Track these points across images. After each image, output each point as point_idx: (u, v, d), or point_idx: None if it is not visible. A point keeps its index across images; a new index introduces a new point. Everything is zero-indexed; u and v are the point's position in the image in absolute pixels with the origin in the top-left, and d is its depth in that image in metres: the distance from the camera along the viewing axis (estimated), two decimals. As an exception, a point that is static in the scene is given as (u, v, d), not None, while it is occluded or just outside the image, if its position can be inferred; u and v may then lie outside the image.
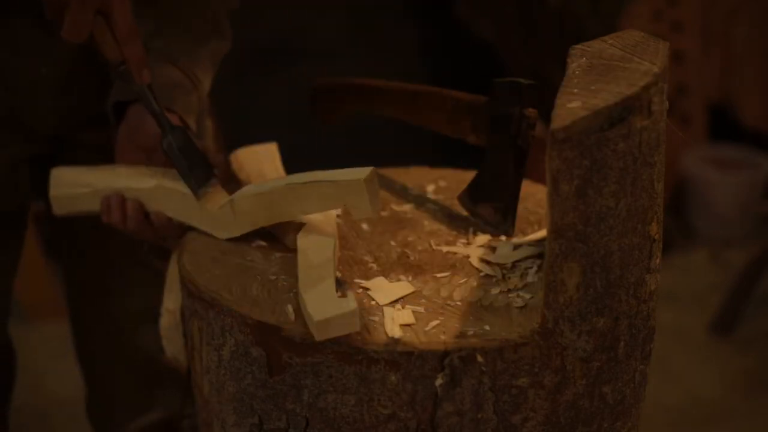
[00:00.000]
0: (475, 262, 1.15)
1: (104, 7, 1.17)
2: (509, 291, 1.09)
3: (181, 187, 1.22)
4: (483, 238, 1.22)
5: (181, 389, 1.52)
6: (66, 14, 1.17)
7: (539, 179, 1.25)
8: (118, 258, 1.52)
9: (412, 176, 1.42)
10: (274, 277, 1.12)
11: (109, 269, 1.55)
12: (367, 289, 1.09)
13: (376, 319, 1.02)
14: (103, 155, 1.45)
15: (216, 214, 1.20)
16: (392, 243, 1.21)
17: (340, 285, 1.08)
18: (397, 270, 1.14)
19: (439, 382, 0.98)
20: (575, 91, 0.95)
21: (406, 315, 1.02)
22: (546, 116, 0.97)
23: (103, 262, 1.55)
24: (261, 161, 1.38)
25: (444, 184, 1.39)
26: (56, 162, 1.50)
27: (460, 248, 1.19)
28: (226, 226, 1.20)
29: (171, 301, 1.32)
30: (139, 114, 1.29)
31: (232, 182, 1.33)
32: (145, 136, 1.29)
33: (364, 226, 1.25)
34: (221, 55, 1.44)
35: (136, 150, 1.30)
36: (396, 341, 0.98)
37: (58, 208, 1.33)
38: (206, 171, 1.22)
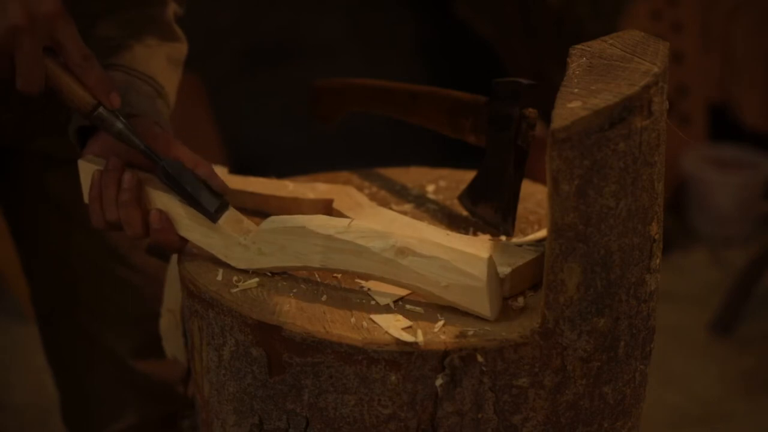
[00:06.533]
0: (475, 262, 1.15)
1: (51, 40, 1.09)
2: (509, 291, 1.08)
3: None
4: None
5: (155, 395, 1.51)
6: (16, 64, 1.08)
7: (539, 179, 1.25)
8: (84, 260, 1.47)
9: (412, 176, 1.42)
10: (274, 277, 1.12)
11: (76, 272, 1.49)
12: (368, 289, 1.09)
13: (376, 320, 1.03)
14: (55, 166, 1.41)
15: (235, 241, 1.12)
16: (392, 243, 1.21)
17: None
18: (397, 270, 1.13)
19: (439, 382, 0.98)
20: (575, 90, 0.95)
21: (402, 321, 1.02)
22: (546, 116, 0.97)
23: (69, 266, 1.48)
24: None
25: (444, 184, 1.39)
26: (5, 173, 1.46)
27: (460, 248, 1.19)
28: (247, 256, 1.12)
29: (171, 301, 1.31)
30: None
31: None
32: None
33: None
34: (180, 58, 1.36)
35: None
36: (396, 341, 0.98)
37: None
38: (214, 195, 1.13)
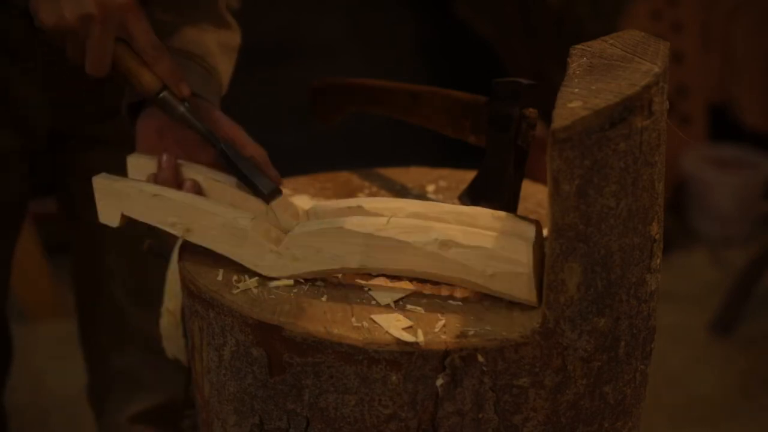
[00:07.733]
0: (475, 262, 1.15)
1: (123, 31, 1.15)
2: (510, 291, 1.08)
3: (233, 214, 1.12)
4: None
5: (182, 373, 1.52)
6: (86, 50, 1.15)
7: (539, 179, 1.25)
8: (122, 237, 1.47)
9: (412, 176, 1.42)
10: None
11: (111, 252, 1.55)
12: (368, 288, 1.09)
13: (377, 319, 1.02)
14: (105, 149, 1.46)
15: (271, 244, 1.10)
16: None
17: None
18: (397, 270, 1.13)
19: (440, 382, 0.98)
20: (576, 90, 0.95)
21: (402, 321, 1.02)
22: (546, 116, 0.97)
23: (105, 245, 1.55)
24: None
25: (444, 184, 1.39)
26: (56, 158, 1.52)
27: (460, 248, 1.19)
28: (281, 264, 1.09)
29: (171, 301, 1.31)
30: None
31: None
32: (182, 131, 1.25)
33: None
34: (232, 46, 1.41)
35: (174, 145, 1.25)
36: (397, 341, 0.98)
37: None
38: (267, 179, 1.18)
